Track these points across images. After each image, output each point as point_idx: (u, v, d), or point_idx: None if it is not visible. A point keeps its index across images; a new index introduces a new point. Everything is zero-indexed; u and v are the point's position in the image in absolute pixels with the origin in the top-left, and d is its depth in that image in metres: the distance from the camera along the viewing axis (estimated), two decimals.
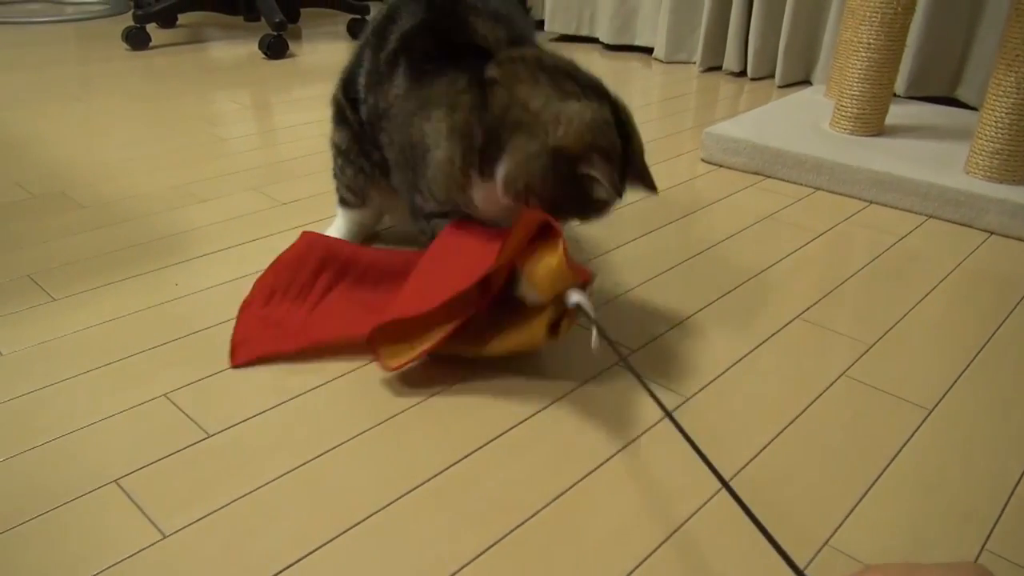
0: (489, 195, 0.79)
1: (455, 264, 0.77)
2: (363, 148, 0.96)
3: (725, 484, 0.55)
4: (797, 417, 0.75)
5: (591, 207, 0.77)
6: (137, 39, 2.15)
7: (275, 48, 2.11)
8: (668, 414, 0.65)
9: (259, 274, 0.98)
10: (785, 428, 0.74)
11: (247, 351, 0.81)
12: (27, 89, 1.78)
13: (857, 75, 1.37)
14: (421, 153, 0.80)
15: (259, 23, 2.42)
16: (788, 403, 0.77)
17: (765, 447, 0.71)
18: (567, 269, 0.72)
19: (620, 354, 0.72)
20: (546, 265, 0.72)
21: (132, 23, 2.15)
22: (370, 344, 0.78)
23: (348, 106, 0.96)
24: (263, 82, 1.92)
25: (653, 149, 1.49)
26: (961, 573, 0.38)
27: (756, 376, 0.82)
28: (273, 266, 0.91)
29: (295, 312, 0.87)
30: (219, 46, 2.28)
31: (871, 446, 0.72)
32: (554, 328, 0.76)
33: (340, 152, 1.00)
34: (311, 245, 0.92)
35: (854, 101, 1.39)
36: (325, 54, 2.22)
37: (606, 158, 0.73)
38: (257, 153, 1.42)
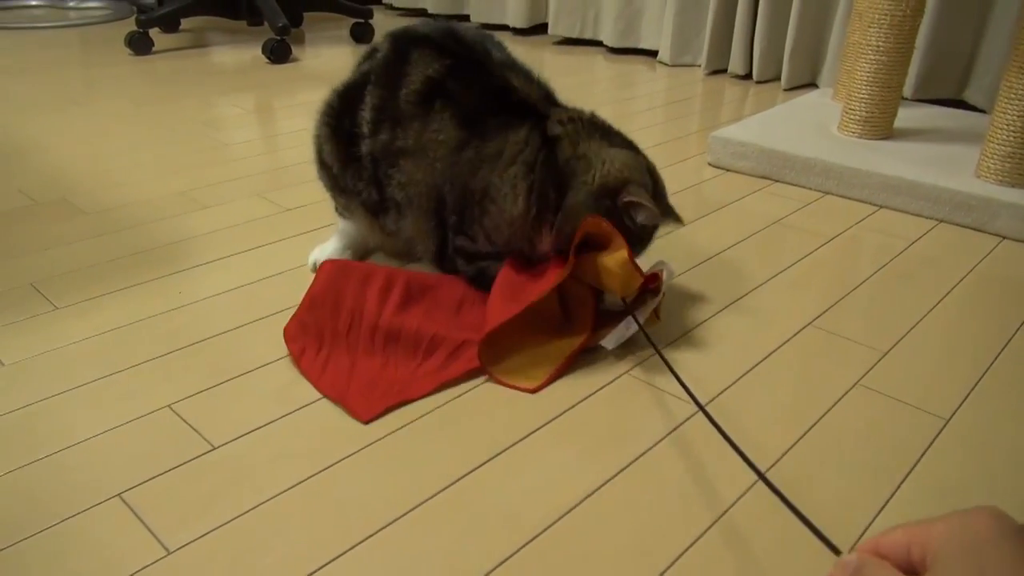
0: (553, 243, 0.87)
1: (531, 279, 0.84)
2: (344, 186, 0.96)
3: (761, 475, 0.54)
4: (812, 427, 0.74)
5: (633, 238, 0.83)
6: (140, 44, 2.15)
7: (278, 52, 2.10)
8: (701, 407, 0.65)
9: (264, 282, 0.97)
10: (800, 438, 0.72)
11: (366, 407, 0.75)
12: (30, 94, 1.78)
13: (866, 78, 1.36)
14: (481, 202, 0.85)
15: (262, 27, 2.42)
16: (803, 413, 0.76)
17: (780, 458, 0.70)
18: (633, 271, 0.80)
19: (657, 349, 0.78)
20: (608, 271, 0.81)
21: (135, 28, 2.15)
22: (484, 367, 0.80)
23: (330, 147, 0.95)
24: (266, 86, 1.91)
25: (659, 153, 1.48)
26: (977, 517, 0.38)
27: (770, 385, 0.80)
28: (307, 304, 0.86)
29: (363, 348, 0.82)
30: (222, 51, 2.28)
31: (889, 457, 0.70)
32: (656, 312, 0.87)
33: (325, 187, 1.01)
34: (341, 272, 0.89)
35: (863, 104, 1.38)
36: (328, 58, 2.22)
37: (643, 187, 0.83)
38: (261, 158, 1.41)
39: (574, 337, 0.84)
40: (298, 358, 0.81)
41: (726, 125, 1.49)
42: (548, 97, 0.92)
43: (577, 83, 2.03)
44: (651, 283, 0.85)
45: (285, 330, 0.84)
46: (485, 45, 0.93)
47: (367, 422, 0.73)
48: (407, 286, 0.89)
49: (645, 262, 0.86)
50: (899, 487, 0.67)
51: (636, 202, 0.81)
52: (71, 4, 2.81)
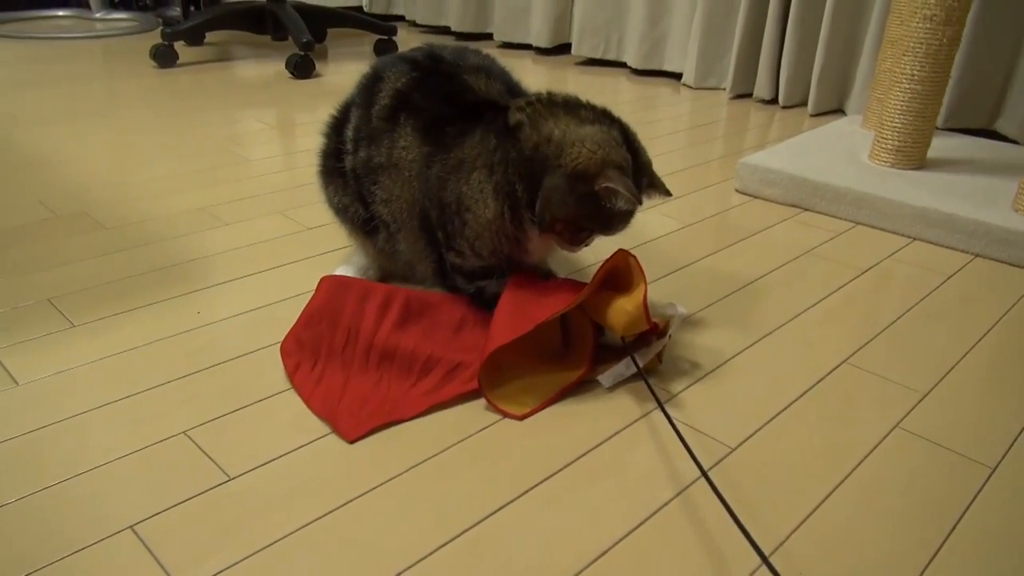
0: (542, 238, 0.84)
1: (538, 300, 0.82)
2: (333, 203, 0.97)
3: (765, 559, 0.51)
4: (850, 473, 0.71)
5: (613, 219, 0.82)
6: (165, 57, 2.15)
7: (302, 68, 2.10)
8: (704, 473, 0.62)
9: (284, 303, 0.95)
10: (838, 486, 0.69)
11: (353, 425, 0.73)
12: (54, 105, 1.78)
13: (899, 107, 1.33)
14: (458, 212, 0.83)
15: (286, 42, 2.43)
16: (840, 458, 0.73)
17: (818, 507, 0.67)
18: (643, 315, 0.78)
19: (663, 407, 0.72)
20: (622, 310, 0.79)
21: (160, 41, 2.15)
22: (481, 389, 0.78)
23: (323, 162, 0.97)
24: (289, 102, 1.90)
25: (683, 179, 1.45)
26: None
27: (804, 426, 0.77)
28: (305, 319, 0.85)
29: (357, 365, 0.81)
30: (246, 65, 2.28)
31: (932, 508, 0.67)
32: (659, 356, 0.84)
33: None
34: (340, 288, 0.88)
35: (895, 133, 1.35)
36: (351, 74, 2.21)
37: (620, 170, 0.79)
38: (282, 175, 1.40)
39: (571, 370, 0.82)
40: (292, 374, 0.80)
41: (751, 150, 1.46)
42: (511, 89, 0.90)
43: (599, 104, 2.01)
44: (654, 330, 0.83)
45: (282, 346, 0.83)
46: (460, 54, 0.91)
47: (352, 441, 0.72)
48: (406, 304, 0.87)
49: (654, 292, 0.83)
50: (945, 540, 0.64)
51: (613, 188, 0.77)
52: (98, 15, 2.83)
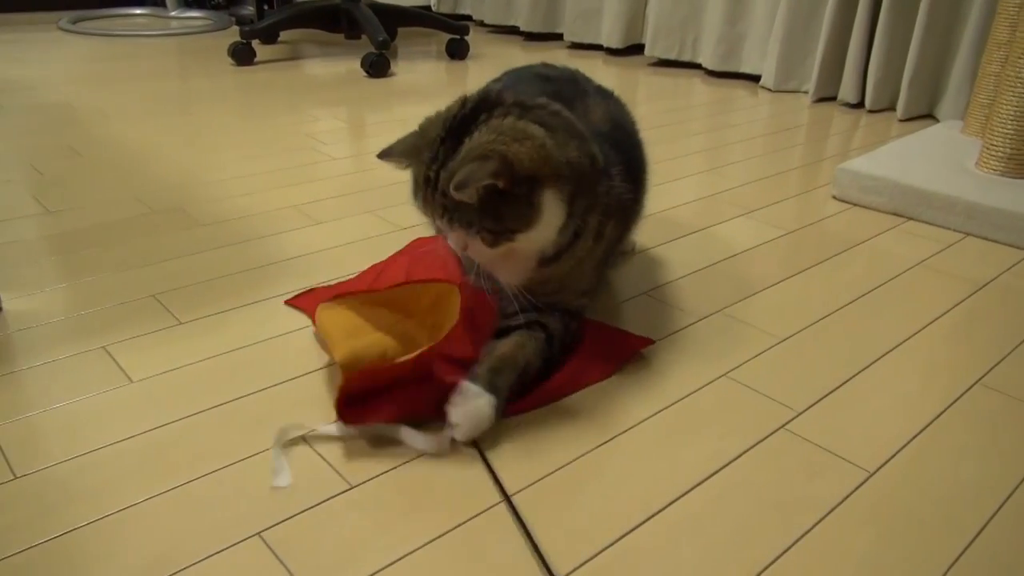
0: None
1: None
2: None
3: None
4: (1004, 503, 0.66)
5: None
6: (243, 55, 2.17)
7: (378, 66, 2.10)
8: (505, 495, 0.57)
9: None
10: (992, 517, 0.65)
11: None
12: (138, 101, 1.81)
13: (1012, 112, 1.27)
14: None
15: (358, 41, 2.44)
16: (990, 489, 0.68)
17: (973, 541, 0.62)
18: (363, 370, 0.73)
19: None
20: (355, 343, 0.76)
21: (239, 39, 2.17)
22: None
23: None
24: (366, 100, 1.90)
25: (769, 186, 1.40)
26: None
27: (946, 450, 0.73)
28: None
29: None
30: (319, 63, 2.29)
31: None
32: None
33: None
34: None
35: (1007, 140, 1.28)
36: (422, 74, 2.21)
37: None
38: (369, 174, 1.39)
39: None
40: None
41: (837, 157, 1.41)
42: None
43: (672, 107, 1.96)
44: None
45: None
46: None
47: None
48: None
49: (762, 300, 0.78)
50: None
51: None
52: (173, 14, 2.88)
